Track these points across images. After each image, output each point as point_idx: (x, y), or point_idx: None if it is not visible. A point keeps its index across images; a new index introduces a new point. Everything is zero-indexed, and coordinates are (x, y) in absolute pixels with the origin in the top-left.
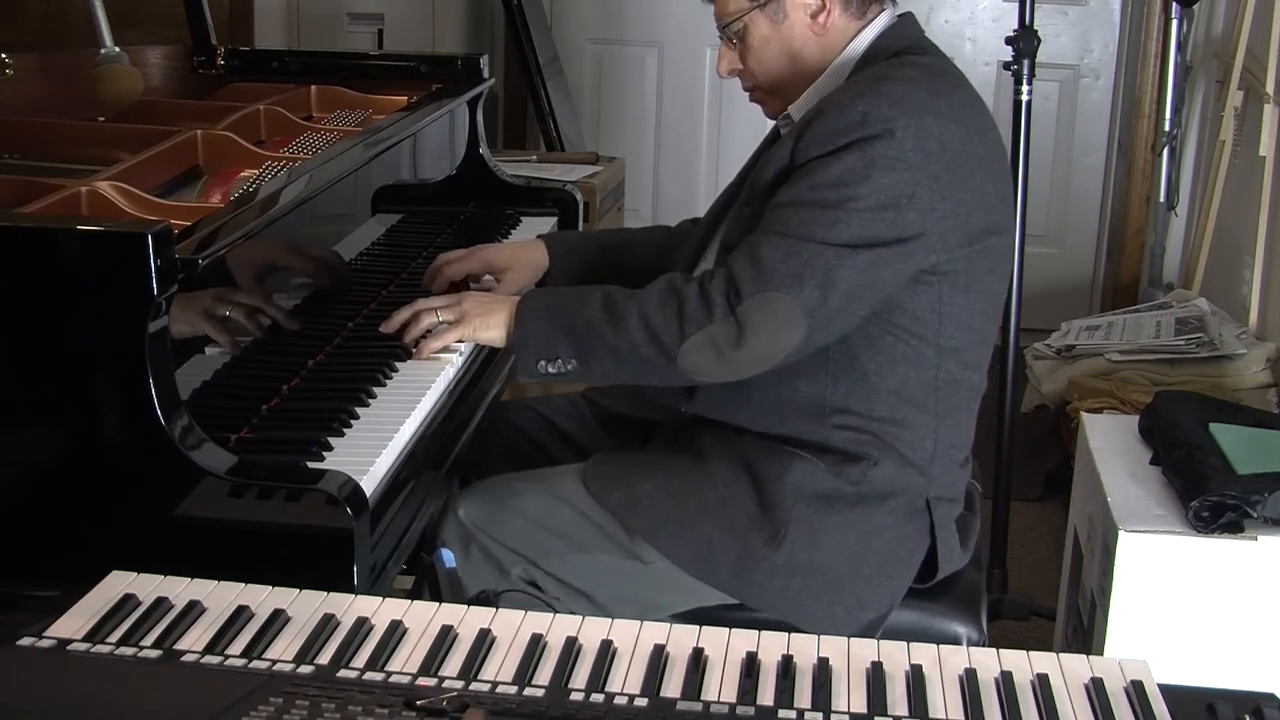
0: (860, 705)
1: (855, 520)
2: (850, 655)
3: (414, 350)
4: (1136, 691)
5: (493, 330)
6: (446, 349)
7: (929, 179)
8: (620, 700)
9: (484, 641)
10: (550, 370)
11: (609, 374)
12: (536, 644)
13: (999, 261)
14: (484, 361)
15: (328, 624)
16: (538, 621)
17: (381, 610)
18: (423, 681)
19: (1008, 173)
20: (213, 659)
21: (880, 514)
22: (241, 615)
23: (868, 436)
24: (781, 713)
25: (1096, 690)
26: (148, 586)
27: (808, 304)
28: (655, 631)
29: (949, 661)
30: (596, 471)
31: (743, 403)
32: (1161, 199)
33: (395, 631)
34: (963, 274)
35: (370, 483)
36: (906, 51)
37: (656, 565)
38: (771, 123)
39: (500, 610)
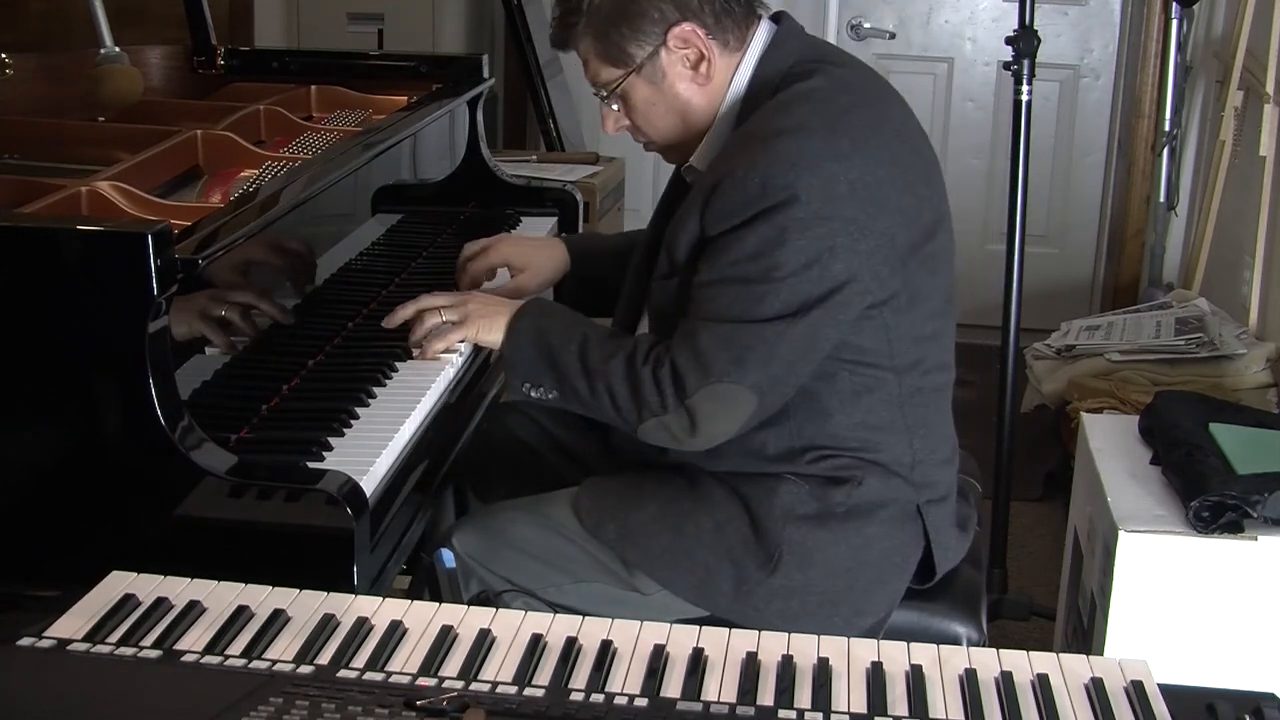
0: (860, 705)
1: (847, 535)
2: (850, 655)
3: (415, 351)
4: (1136, 691)
5: (495, 334)
6: (446, 351)
7: (845, 224)
8: (620, 700)
9: (484, 641)
10: (534, 395)
11: (585, 414)
12: (536, 644)
13: (938, 261)
14: (483, 362)
15: (328, 624)
16: (538, 621)
17: (381, 610)
18: (423, 681)
19: (928, 167)
20: (213, 659)
21: (872, 526)
22: (241, 615)
23: (845, 461)
24: (781, 713)
25: (1096, 690)
26: (148, 586)
27: (755, 383)
28: (655, 631)
29: (949, 661)
30: (589, 503)
31: (716, 457)
32: (1161, 199)
33: (395, 631)
34: (902, 295)
35: (370, 483)
36: (791, 76)
37: (655, 595)
38: None
39: (500, 610)
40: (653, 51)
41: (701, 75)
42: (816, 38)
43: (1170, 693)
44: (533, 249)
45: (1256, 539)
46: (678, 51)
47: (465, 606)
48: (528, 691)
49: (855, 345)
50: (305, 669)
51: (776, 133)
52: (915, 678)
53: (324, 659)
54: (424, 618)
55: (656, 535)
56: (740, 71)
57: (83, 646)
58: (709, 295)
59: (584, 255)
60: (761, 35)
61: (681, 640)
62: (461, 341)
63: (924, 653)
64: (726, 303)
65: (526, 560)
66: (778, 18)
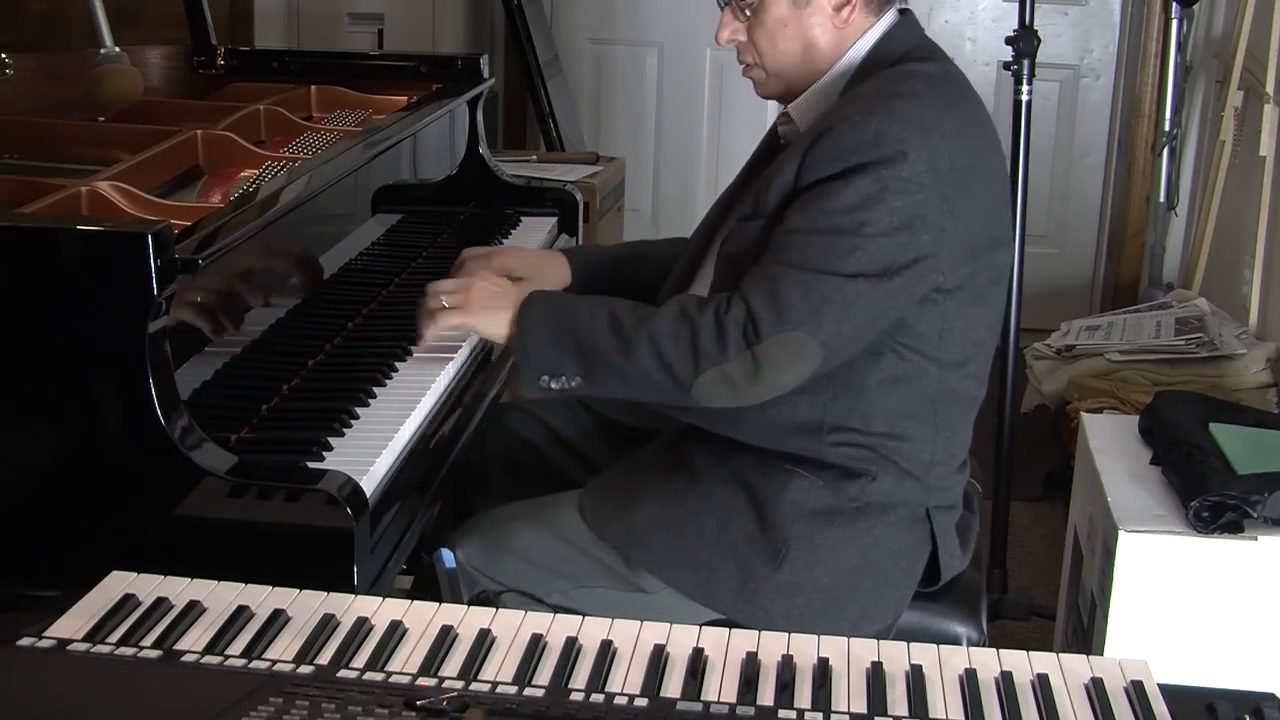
0: (860, 705)
1: (855, 535)
2: (850, 655)
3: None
4: (1136, 691)
5: (496, 326)
6: (446, 350)
7: (939, 199)
8: (620, 700)
9: (484, 641)
10: (554, 386)
11: (615, 393)
12: (536, 644)
13: (1001, 273)
14: (483, 362)
15: (328, 624)
16: (538, 621)
17: (381, 610)
18: (423, 681)
19: (1007, 182)
20: (213, 659)
21: (880, 527)
22: (241, 615)
23: (865, 452)
24: (781, 713)
25: (1096, 690)
26: (148, 586)
27: (826, 338)
28: (655, 631)
29: (949, 661)
30: (592, 504)
31: (741, 420)
32: (1161, 199)
33: (395, 631)
34: (967, 289)
35: (370, 483)
36: (908, 57)
37: (659, 594)
38: (767, 125)
39: (500, 610)
40: None
41: (840, 19)
42: (933, 40)
43: (1170, 693)
44: (535, 259)
45: (1256, 539)
46: None
47: (465, 606)
48: (528, 691)
49: (911, 328)
50: (305, 669)
51: (895, 94)
52: (915, 678)
53: (324, 659)
54: (424, 618)
55: (660, 533)
56: (866, 36)
57: (83, 646)
58: (796, 242)
59: (585, 266)
60: (888, 19)
61: (681, 640)
62: (459, 328)
63: (924, 653)
64: (813, 251)
65: (529, 567)
66: (904, 11)
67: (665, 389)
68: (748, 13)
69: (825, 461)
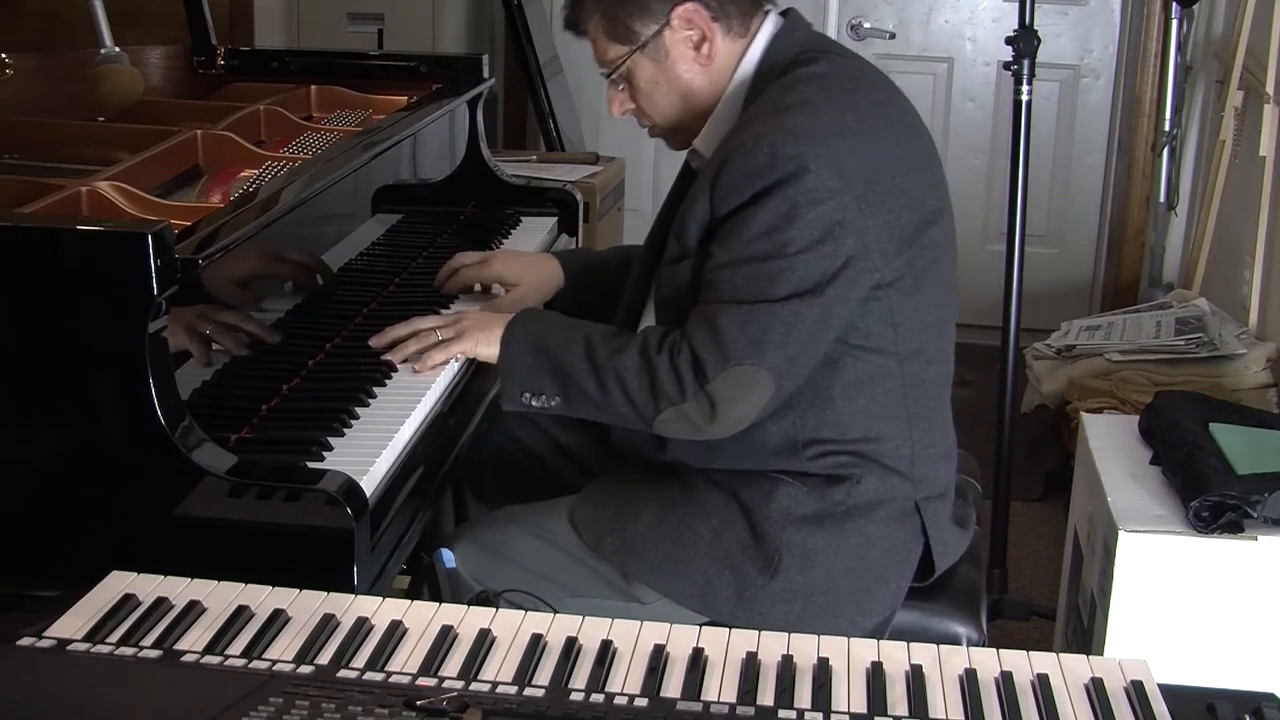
0: (860, 705)
1: (847, 535)
2: (850, 655)
3: (408, 365)
4: (1136, 691)
5: (488, 346)
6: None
7: (854, 199)
8: (620, 700)
9: (484, 641)
10: (534, 404)
11: (591, 416)
12: (536, 644)
13: (941, 249)
14: (482, 362)
15: (328, 624)
16: (538, 621)
17: (381, 610)
18: (423, 681)
19: (931, 156)
20: (213, 659)
21: (871, 525)
22: (241, 615)
23: (845, 458)
24: (781, 713)
25: (1096, 690)
26: (148, 586)
27: (774, 365)
28: (655, 631)
29: (949, 661)
30: (585, 516)
31: (715, 452)
32: (1161, 199)
33: (395, 631)
34: (907, 277)
35: (370, 483)
36: (797, 62)
37: (655, 604)
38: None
39: (500, 610)
40: (657, 30)
41: (703, 56)
42: (822, 33)
43: (1170, 693)
44: (526, 264)
45: (1256, 539)
46: (681, 31)
47: (465, 606)
48: (528, 691)
49: (860, 329)
50: (305, 669)
51: (783, 108)
52: (915, 678)
53: (324, 659)
54: (424, 618)
55: (655, 546)
56: (746, 58)
57: (83, 646)
58: (723, 277)
59: (578, 270)
60: (769, 26)
61: (681, 640)
62: (460, 354)
63: (924, 653)
64: (741, 283)
65: (525, 575)
66: (785, 13)
67: (632, 420)
68: (621, 86)
69: (807, 473)
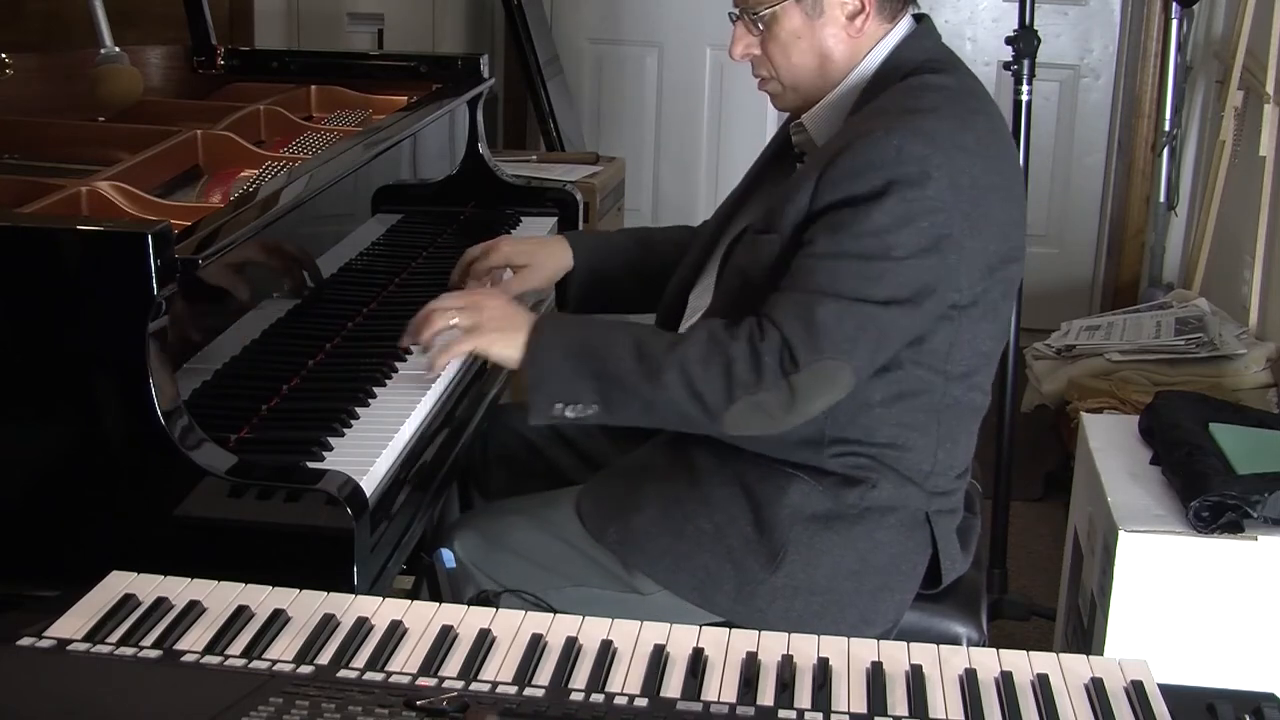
0: (860, 705)
1: (854, 538)
2: (850, 655)
3: (420, 354)
4: (1136, 691)
5: (509, 349)
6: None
7: (961, 217)
8: (620, 700)
9: (484, 641)
10: (569, 414)
11: (634, 421)
12: (536, 644)
13: (1012, 286)
14: (484, 362)
15: (328, 624)
16: (538, 621)
17: (381, 610)
18: (423, 681)
19: (1022, 194)
20: (213, 659)
21: (880, 530)
22: (241, 615)
23: (866, 460)
24: (781, 713)
25: (1096, 690)
26: (148, 586)
27: (860, 365)
28: (655, 631)
29: (949, 661)
30: (590, 506)
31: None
32: (1161, 199)
33: (395, 631)
34: (981, 304)
35: (370, 483)
36: (923, 68)
37: (655, 596)
38: (768, 124)
39: (500, 610)
40: None
41: (854, 28)
42: (948, 46)
43: (1170, 693)
44: (535, 245)
45: (1256, 539)
46: None
47: (465, 606)
48: (528, 691)
49: (924, 344)
50: (305, 669)
51: (913, 110)
52: (915, 678)
53: (324, 659)
54: (424, 618)
55: (658, 537)
56: (881, 45)
57: (83, 646)
58: (825, 267)
59: (588, 249)
60: (904, 25)
61: (681, 640)
62: (472, 352)
63: (924, 653)
64: (843, 277)
65: (527, 565)
66: (920, 17)
67: (691, 418)
68: (760, 26)
69: (825, 470)
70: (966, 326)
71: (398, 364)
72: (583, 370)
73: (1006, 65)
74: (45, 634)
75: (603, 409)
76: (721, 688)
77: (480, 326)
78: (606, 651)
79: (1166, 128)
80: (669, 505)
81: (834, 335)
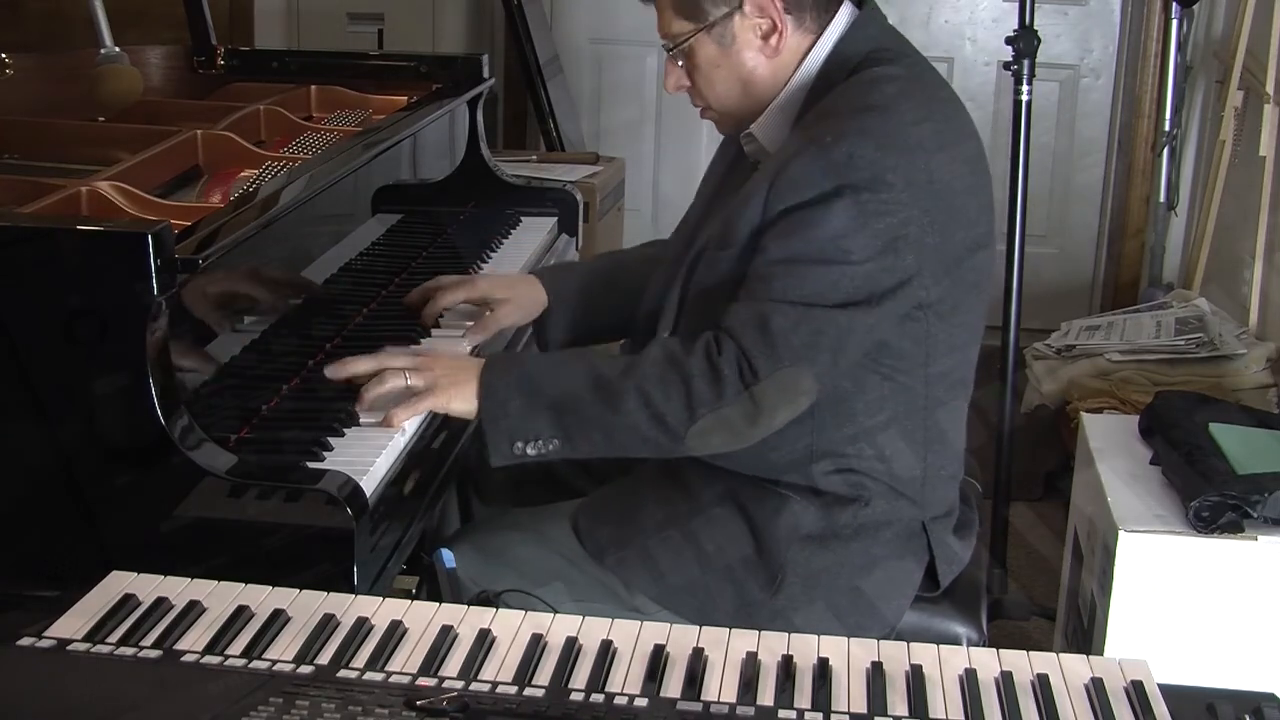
0: (860, 705)
1: (851, 556)
2: (850, 655)
3: (368, 415)
4: (1136, 691)
5: (464, 402)
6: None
7: (920, 214)
8: (620, 700)
9: (484, 641)
10: (530, 451)
11: (598, 451)
12: (536, 644)
13: (982, 275)
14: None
15: (328, 624)
16: (538, 621)
17: (381, 610)
18: (423, 681)
19: (987, 178)
20: (213, 659)
21: (876, 546)
22: (241, 615)
23: (856, 476)
24: (781, 713)
25: (1096, 690)
26: (148, 586)
27: (820, 371)
28: (655, 631)
29: (949, 661)
30: (588, 525)
31: (730, 457)
32: (1161, 199)
33: (395, 631)
34: (948, 300)
35: (370, 483)
36: (870, 60)
37: (655, 615)
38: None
39: (500, 610)
40: (727, 13)
41: (770, 47)
42: (895, 29)
43: (1170, 693)
44: (512, 280)
45: (1256, 539)
46: (752, 18)
47: (465, 606)
48: (528, 691)
49: (894, 348)
50: (305, 669)
51: (864, 109)
52: (915, 678)
53: (324, 659)
54: (424, 618)
55: (658, 558)
56: (815, 50)
57: (83, 646)
58: (779, 273)
59: (559, 284)
60: (842, 18)
61: (681, 640)
62: (430, 410)
63: (924, 653)
64: (797, 283)
65: (525, 581)
66: (860, 2)
67: (654, 441)
68: (680, 62)
69: (817, 488)
70: (936, 325)
71: (360, 413)
72: (535, 405)
73: (1006, 65)
74: (45, 634)
75: (563, 442)
76: (721, 688)
77: (436, 385)
78: (606, 651)
79: (1166, 128)
80: (667, 525)
81: (791, 342)
